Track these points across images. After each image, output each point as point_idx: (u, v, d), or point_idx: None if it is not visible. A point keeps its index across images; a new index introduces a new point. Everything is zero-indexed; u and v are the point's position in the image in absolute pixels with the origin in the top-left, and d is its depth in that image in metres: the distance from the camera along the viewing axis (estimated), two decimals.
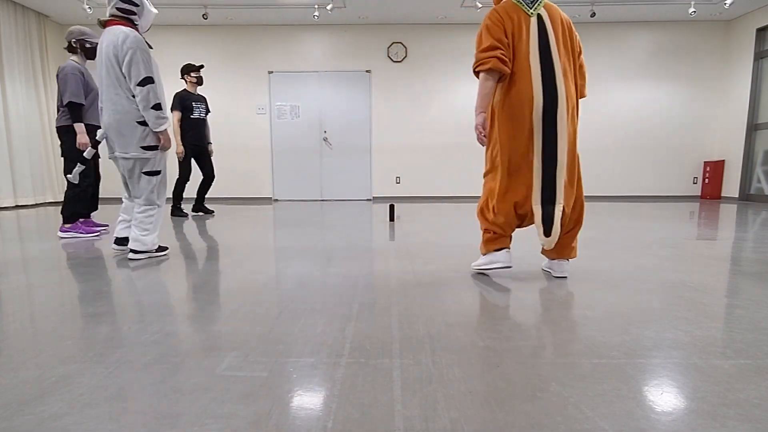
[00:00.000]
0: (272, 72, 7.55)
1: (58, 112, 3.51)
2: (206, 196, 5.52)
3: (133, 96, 2.56)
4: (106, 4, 2.61)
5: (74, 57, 3.47)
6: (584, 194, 2.22)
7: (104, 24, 2.59)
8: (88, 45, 3.47)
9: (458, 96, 7.57)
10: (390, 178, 7.78)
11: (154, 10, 2.70)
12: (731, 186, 7.31)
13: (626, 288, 2.03)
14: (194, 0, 6.40)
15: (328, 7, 6.43)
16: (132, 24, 2.60)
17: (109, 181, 6.66)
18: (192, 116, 5.08)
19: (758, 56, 6.87)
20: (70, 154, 3.49)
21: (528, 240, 3.34)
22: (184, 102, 5.03)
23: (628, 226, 4.12)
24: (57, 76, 3.40)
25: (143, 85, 2.51)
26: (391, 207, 4.63)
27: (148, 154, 2.65)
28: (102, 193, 7.01)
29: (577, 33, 2.14)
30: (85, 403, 1.05)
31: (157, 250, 2.80)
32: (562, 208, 2.10)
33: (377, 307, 1.76)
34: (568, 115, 2.07)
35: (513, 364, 1.26)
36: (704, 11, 6.87)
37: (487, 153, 2.25)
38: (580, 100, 2.25)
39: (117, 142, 2.63)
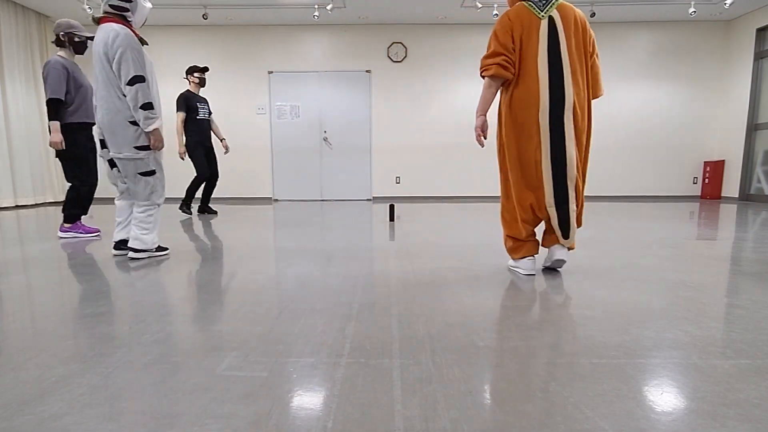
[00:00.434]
0: (272, 72, 7.55)
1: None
2: (211, 196, 5.58)
3: (124, 95, 2.54)
4: (100, 0, 2.60)
5: (62, 51, 3.39)
6: (584, 194, 2.25)
7: (98, 21, 2.57)
8: (77, 39, 3.39)
9: (458, 96, 7.57)
10: (390, 178, 7.78)
11: (148, 5, 2.69)
12: (731, 186, 7.31)
13: (626, 288, 2.03)
14: (194, 0, 6.40)
15: (328, 7, 6.43)
16: (125, 20, 2.58)
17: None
18: (198, 117, 5.10)
19: (758, 56, 6.87)
20: (68, 154, 3.42)
21: None
22: (189, 102, 5.04)
23: (628, 226, 4.12)
24: (42, 73, 3.32)
25: (132, 84, 2.49)
26: (391, 207, 4.62)
27: (141, 154, 2.62)
28: (103, 193, 7.04)
29: (592, 33, 2.15)
30: (85, 403, 1.05)
31: (156, 250, 2.80)
32: (574, 208, 2.16)
33: (377, 307, 1.76)
34: (576, 115, 2.09)
35: (513, 364, 1.26)
36: (704, 11, 6.87)
37: (499, 156, 2.31)
38: (595, 100, 2.27)
39: (111, 141, 2.61)
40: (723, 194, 7.47)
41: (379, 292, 1.97)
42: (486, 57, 2.14)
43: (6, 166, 6.26)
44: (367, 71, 7.55)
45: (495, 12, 6.59)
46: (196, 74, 5.12)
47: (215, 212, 5.49)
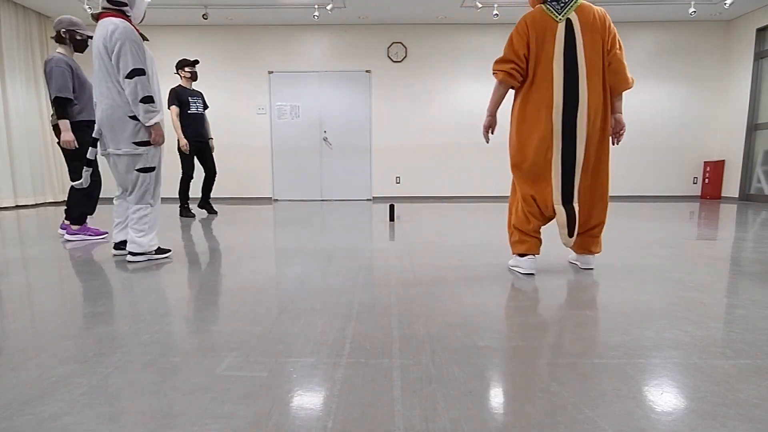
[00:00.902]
0: (272, 72, 7.55)
1: (52, 108, 3.34)
2: (210, 192, 5.49)
3: (123, 89, 2.49)
4: None
5: (61, 48, 3.32)
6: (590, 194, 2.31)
7: (97, 17, 2.54)
8: (78, 37, 3.33)
9: (458, 96, 7.57)
10: (390, 178, 7.78)
11: None
12: (731, 186, 7.31)
13: (626, 288, 2.03)
14: (194, 0, 6.40)
15: (328, 7, 6.43)
16: (124, 15, 2.54)
17: (111, 181, 6.65)
18: (189, 111, 4.99)
19: (758, 56, 6.87)
20: (77, 153, 3.35)
21: None
22: (180, 97, 4.93)
23: (628, 226, 4.12)
24: (44, 70, 3.24)
25: (131, 78, 2.44)
26: (391, 207, 4.62)
27: (141, 149, 2.58)
28: (104, 193, 7.03)
29: (614, 29, 2.16)
30: (85, 403, 1.05)
31: (157, 252, 2.74)
32: (577, 207, 2.24)
33: (377, 307, 1.76)
34: (591, 116, 2.14)
35: (513, 364, 1.25)
36: (704, 11, 6.87)
37: (510, 154, 2.38)
38: (626, 92, 2.28)
39: (109, 137, 2.57)
40: (723, 194, 7.47)
41: (379, 292, 1.97)
42: (498, 61, 2.23)
43: (6, 166, 6.26)
44: (367, 71, 7.55)
45: (495, 12, 6.59)
46: (186, 69, 5.01)
47: (215, 212, 5.47)
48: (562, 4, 2.15)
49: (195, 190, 5.71)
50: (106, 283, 2.15)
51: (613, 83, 2.17)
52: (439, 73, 7.54)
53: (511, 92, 2.33)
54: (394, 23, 7.40)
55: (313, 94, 7.60)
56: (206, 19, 6.73)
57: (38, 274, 2.36)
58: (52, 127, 3.36)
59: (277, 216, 5.22)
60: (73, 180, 3.43)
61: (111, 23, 2.45)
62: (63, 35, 3.29)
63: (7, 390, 1.11)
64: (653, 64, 7.48)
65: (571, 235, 2.23)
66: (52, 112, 3.35)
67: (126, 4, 2.54)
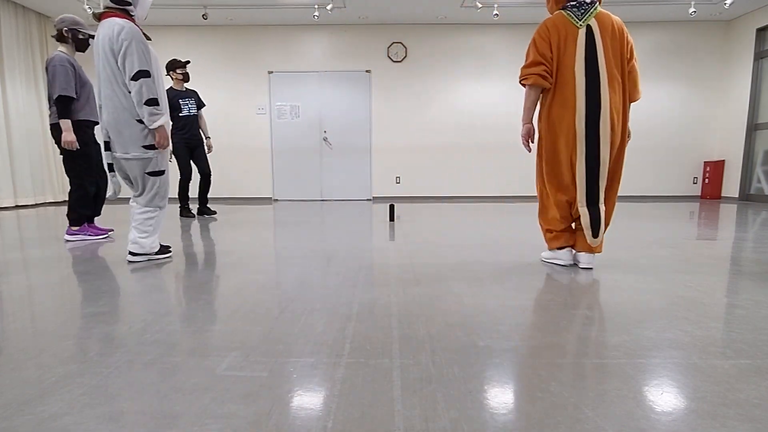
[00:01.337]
0: (272, 72, 7.55)
1: (50, 107, 3.29)
2: (207, 196, 5.44)
3: (130, 92, 2.44)
4: None
5: (62, 47, 3.28)
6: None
7: (99, 17, 2.48)
8: (80, 36, 3.30)
9: (458, 96, 7.57)
10: (390, 178, 7.78)
11: None
12: (731, 186, 7.30)
13: (626, 288, 2.04)
14: (194, 0, 6.40)
15: (328, 7, 6.43)
16: (128, 15, 2.49)
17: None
18: (181, 114, 4.89)
19: (758, 56, 6.87)
20: (76, 152, 3.31)
21: (529, 241, 3.34)
22: (170, 101, 4.83)
23: (628, 226, 4.12)
24: (46, 69, 3.20)
25: (136, 80, 2.39)
26: (391, 207, 4.62)
27: (150, 153, 2.53)
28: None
29: (631, 39, 2.23)
30: (85, 403, 1.05)
31: (159, 251, 2.73)
32: (603, 209, 2.29)
33: (377, 307, 1.76)
34: (613, 120, 2.19)
35: (513, 364, 1.26)
36: (704, 11, 6.87)
37: (537, 158, 2.45)
38: (633, 103, 2.38)
39: (117, 141, 2.50)
40: (723, 194, 7.47)
41: (379, 292, 1.97)
42: (526, 66, 2.26)
43: (6, 166, 6.26)
44: (367, 71, 7.55)
45: (495, 12, 6.58)
46: (178, 70, 4.91)
47: (214, 212, 5.45)
48: (583, 11, 2.18)
49: (194, 190, 5.71)
50: (106, 283, 2.15)
51: (630, 91, 2.24)
52: (439, 73, 7.54)
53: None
54: (394, 23, 7.40)
55: (313, 94, 7.60)
56: (206, 19, 6.73)
57: (38, 274, 2.36)
58: (50, 126, 3.33)
59: (277, 216, 5.22)
60: (73, 179, 3.41)
61: (116, 23, 2.40)
62: (65, 34, 3.27)
63: (7, 390, 1.11)
64: (653, 64, 7.48)
65: (596, 236, 2.29)
66: (50, 112, 3.31)
67: (130, 4, 2.49)
